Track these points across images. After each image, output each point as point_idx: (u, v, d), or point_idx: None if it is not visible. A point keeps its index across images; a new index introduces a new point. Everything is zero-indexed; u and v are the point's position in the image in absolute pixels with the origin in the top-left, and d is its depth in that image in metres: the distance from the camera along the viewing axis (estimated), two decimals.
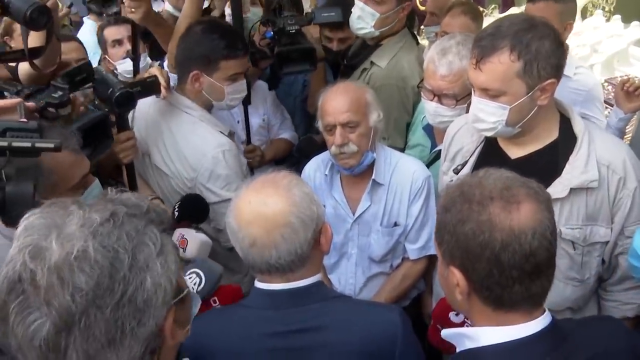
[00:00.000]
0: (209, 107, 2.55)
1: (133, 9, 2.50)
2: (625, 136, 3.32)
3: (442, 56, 2.36)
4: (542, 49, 1.78)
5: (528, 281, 1.22)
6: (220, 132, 2.50)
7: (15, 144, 1.33)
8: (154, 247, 0.97)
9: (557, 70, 1.83)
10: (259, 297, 1.58)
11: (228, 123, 2.82)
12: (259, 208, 1.49)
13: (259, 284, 1.58)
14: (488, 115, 1.88)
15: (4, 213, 1.35)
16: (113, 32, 3.58)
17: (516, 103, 1.83)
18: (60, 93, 1.88)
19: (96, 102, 2.16)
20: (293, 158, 3.23)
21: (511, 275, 1.20)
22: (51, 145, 1.36)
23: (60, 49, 2.25)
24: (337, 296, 1.67)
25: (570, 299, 2.03)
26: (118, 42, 3.57)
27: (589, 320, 1.72)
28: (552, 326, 1.27)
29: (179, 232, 2.07)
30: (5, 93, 1.90)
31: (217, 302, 1.79)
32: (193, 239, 2.03)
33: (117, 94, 2.09)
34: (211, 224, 2.44)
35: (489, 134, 1.96)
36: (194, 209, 2.21)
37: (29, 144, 1.34)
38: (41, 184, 1.62)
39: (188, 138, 2.44)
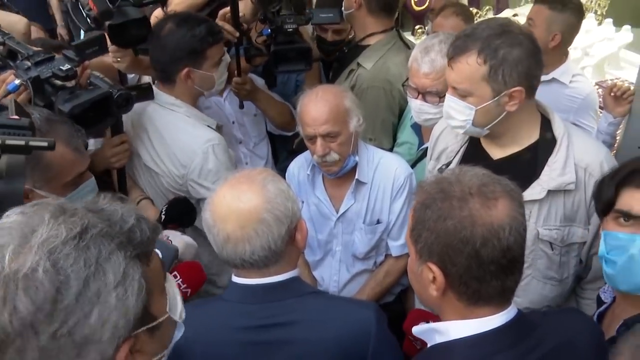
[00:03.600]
0: (196, 100, 2.54)
1: (119, 59, 2.49)
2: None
3: (425, 54, 2.39)
4: (509, 56, 1.81)
5: (504, 276, 1.25)
6: (208, 125, 2.49)
7: (8, 141, 1.30)
8: (113, 277, 0.90)
9: (526, 78, 1.84)
10: (235, 291, 1.60)
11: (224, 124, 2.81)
12: (233, 203, 1.51)
13: (235, 278, 1.60)
14: (457, 113, 1.94)
15: None
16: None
17: (482, 105, 1.88)
18: (68, 66, 1.85)
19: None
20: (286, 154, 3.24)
21: (489, 270, 1.23)
22: (45, 144, 1.33)
23: None
24: (312, 292, 1.67)
25: (549, 298, 2.06)
26: None
27: (555, 312, 1.75)
28: (519, 317, 1.31)
29: (164, 233, 2.07)
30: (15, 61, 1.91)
31: (179, 276, 1.85)
32: (178, 241, 2.04)
33: (117, 94, 2.06)
34: None
35: (460, 131, 2.02)
36: (180, 214, 2.23)
37: (22, 142, 1.30)
38: (37, 175, 1.64)
39: (176, 136, 2.44)
